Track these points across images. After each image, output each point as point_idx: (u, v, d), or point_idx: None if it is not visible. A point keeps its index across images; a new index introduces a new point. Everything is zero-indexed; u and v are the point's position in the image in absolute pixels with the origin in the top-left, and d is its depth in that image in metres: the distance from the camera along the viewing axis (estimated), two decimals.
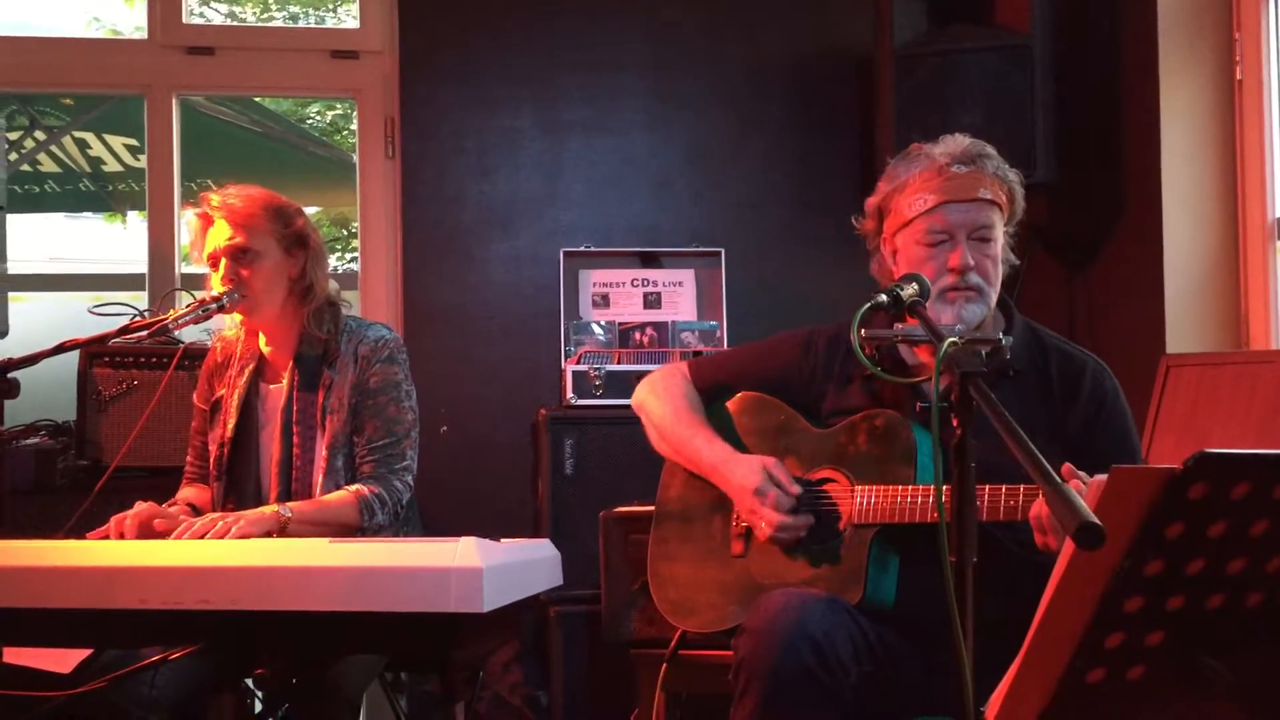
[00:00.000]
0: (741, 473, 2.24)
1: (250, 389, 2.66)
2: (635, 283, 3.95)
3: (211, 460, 2.68)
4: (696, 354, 3.63)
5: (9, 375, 2.67)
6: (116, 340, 3.01)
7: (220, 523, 2.34)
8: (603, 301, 3.93)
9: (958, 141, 2.22)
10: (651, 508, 2.51)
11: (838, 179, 4.04)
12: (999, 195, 2.20)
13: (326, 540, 2.05)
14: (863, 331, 1.84)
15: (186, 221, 2.70)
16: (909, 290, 1.90)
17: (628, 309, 3.93)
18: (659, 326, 3.88)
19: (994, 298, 2.20)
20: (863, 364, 1.82)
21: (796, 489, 2.20)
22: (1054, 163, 3.50)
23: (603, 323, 3.85)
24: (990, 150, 2.23)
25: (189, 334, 3.13)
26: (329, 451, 2.57)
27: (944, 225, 2.16)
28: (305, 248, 2.62)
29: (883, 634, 2.10)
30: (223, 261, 2.58)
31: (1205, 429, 2.64)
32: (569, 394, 3.54)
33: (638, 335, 3.87)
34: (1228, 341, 3.31)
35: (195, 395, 2.78)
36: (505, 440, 3.90)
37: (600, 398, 3.54)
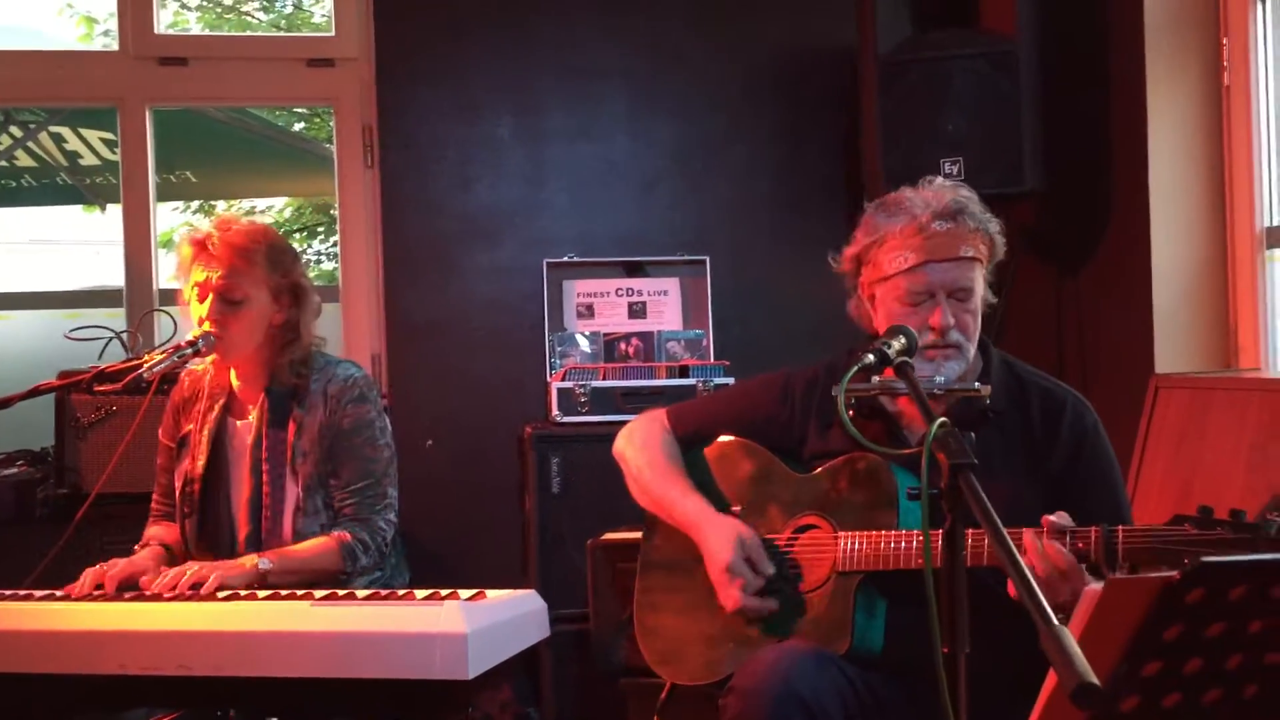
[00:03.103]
0: (716, 542, 2.21)
1: (219, 424, 2.62)
2: (620, 292, 3.91)
3: (178, 495, 2.64)
4: (683, 369, 3.61)
5: None
6: (93, 365, 3.01)
7: (190, 571, 2.30)
8: (587, 312, 3.89)
9: (938, 194, 2.17)
10: (639, 534, 2.49)
11: (823, 185, 4.01)
12: (980, 250, 2.16)
13: (309, 603, 2.02)
14: (845, 386, 1.80)
15: (179, 246, 2.64)
16: (896, 347, 1.87)
17: (613, 319, 3.89)
18: (644, 336, 3.85)
19: (973, 350, 2.18)
20: (848, 430, 1.77)
21: (770, 570, 2.17)
22: (1041, 169, 3.47)
23: (588, 334, 3.82)
24: (971, 202, 2.18)
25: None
26: (305, 493, 2.54)
27: (925, 284, 2.13)
28: (296, 300, 2.59)
29: (871, 682, 2.09)
30: (210, 297, 2.54)
31: (1195, 454, 2.62)
32: (554, 411, 3.50)
33: (623, 346, 3.84)
34: (1216, 351, 3.29)
35: (160, 431, 2.74)
36: (492, 454, 3.86)
37: (586, 414, 3.50)
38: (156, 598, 2.20)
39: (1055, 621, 1.10)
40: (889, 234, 2.15)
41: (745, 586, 2.16)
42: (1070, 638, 1.06)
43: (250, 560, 2.39)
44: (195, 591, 2.24)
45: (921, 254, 2.12)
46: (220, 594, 2.21)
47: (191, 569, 2.31)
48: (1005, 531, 1.32)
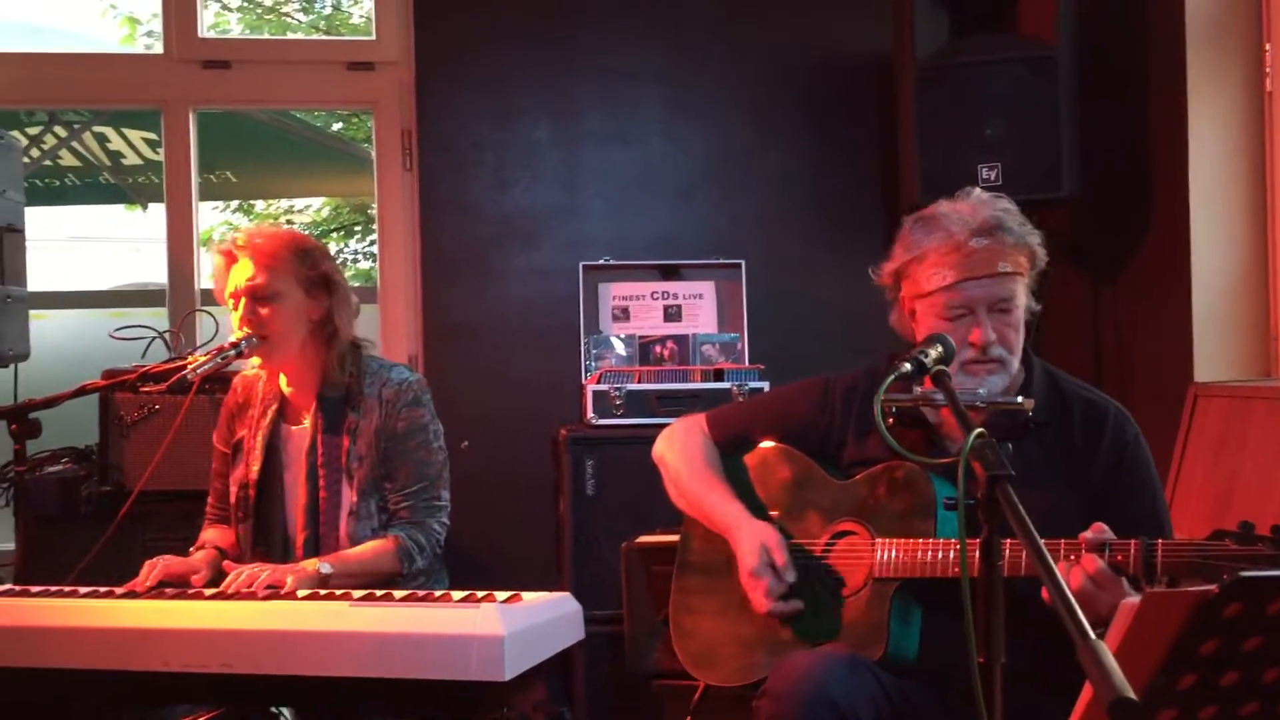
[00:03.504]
0: (745, 545, 2.22)
1: (273, 430, 2.65)
2: (655, 295, 3.92)
3: (233, 501, 2.67)
4: (718, 373, 3.61)
5: (30, 416, 2.70)
6: (136, 364, 3.06)
7: (266, 573, 2.33)
8: (623, 315, 3.90)
9: (975, 208, 2.16)
10: (673, 537, 2.50)
11: (859, 189, 4.01)
12: (1019, 264, 2.15)
13: (348, 603, 2.05)
14: (882, 398, 1.81)
15: (212, 260, 2.70)
16: (933, 356, 1.87)
17: (648, 322, 3.90)
18: (679, 340, 3.86)
19: (1016, 363, 2.17)
20: (885, 439, 1.78)
21: (790, 576, 2.18)
22: (1079, 174, 3.44)
23: (623, 336, 3.83)
24: (1009, 216, 2.16)
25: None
26: (360, 497, 2.57)
27: (963, 300, 2.13)
28: (329, 291, 2.60)
29: (905, 688, 2.10)
30: (243, 301, 2.57)
31: (1234, 463, 2.60)
32: (589, 414, 3.52)
33: (658, 349, 3.85)
34: (1257, 358, 3.27)
35: (215, 436, 2.77)
36: (527, 456, 3.87)
37: (621, 417, 3.52)
38: (199, 595, 2.24)
39: (1092, 635, 1.10)
40: (927, 251, 2.15)
41: (769, 591, 2.17)
42: (1107, 651, 1.07)
43: (312, 564, 2.42)
44: (273, 592, 2.26)
45: (959, 271, 2.12)
46: (262, 593, 2.24)
47: (266, 571, 2.34)
48: (1042, 543, 1.32)
